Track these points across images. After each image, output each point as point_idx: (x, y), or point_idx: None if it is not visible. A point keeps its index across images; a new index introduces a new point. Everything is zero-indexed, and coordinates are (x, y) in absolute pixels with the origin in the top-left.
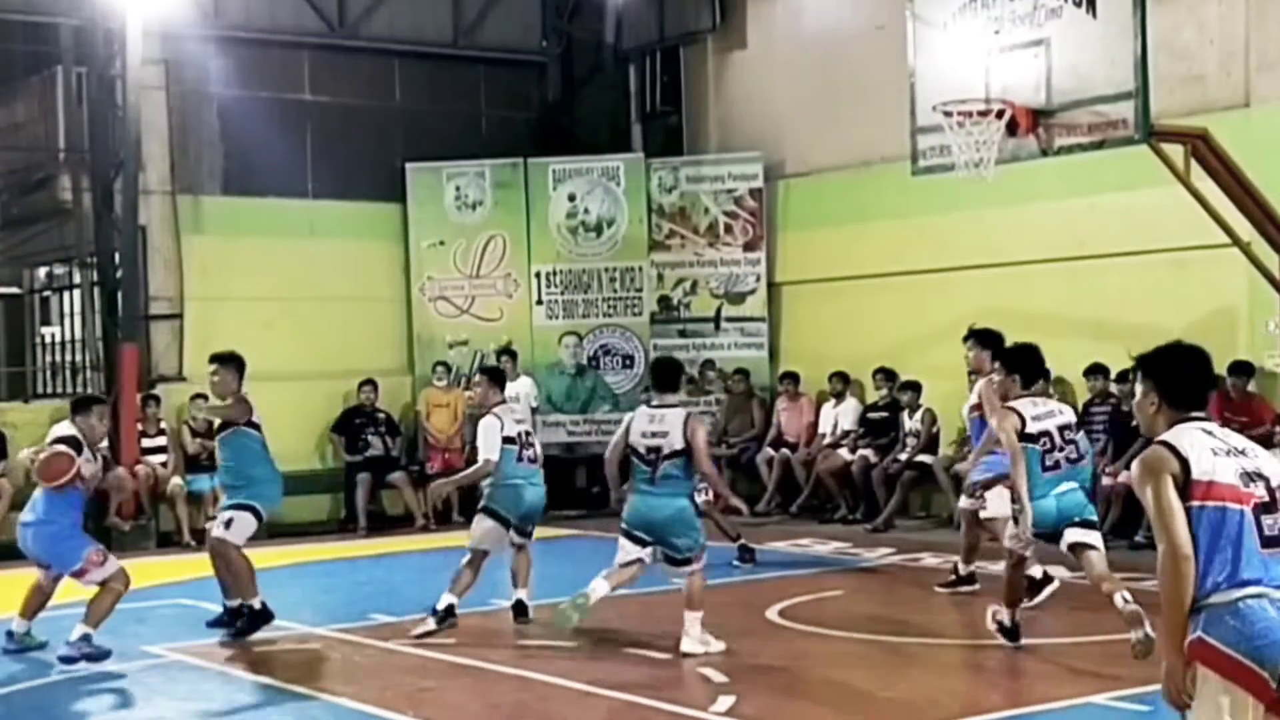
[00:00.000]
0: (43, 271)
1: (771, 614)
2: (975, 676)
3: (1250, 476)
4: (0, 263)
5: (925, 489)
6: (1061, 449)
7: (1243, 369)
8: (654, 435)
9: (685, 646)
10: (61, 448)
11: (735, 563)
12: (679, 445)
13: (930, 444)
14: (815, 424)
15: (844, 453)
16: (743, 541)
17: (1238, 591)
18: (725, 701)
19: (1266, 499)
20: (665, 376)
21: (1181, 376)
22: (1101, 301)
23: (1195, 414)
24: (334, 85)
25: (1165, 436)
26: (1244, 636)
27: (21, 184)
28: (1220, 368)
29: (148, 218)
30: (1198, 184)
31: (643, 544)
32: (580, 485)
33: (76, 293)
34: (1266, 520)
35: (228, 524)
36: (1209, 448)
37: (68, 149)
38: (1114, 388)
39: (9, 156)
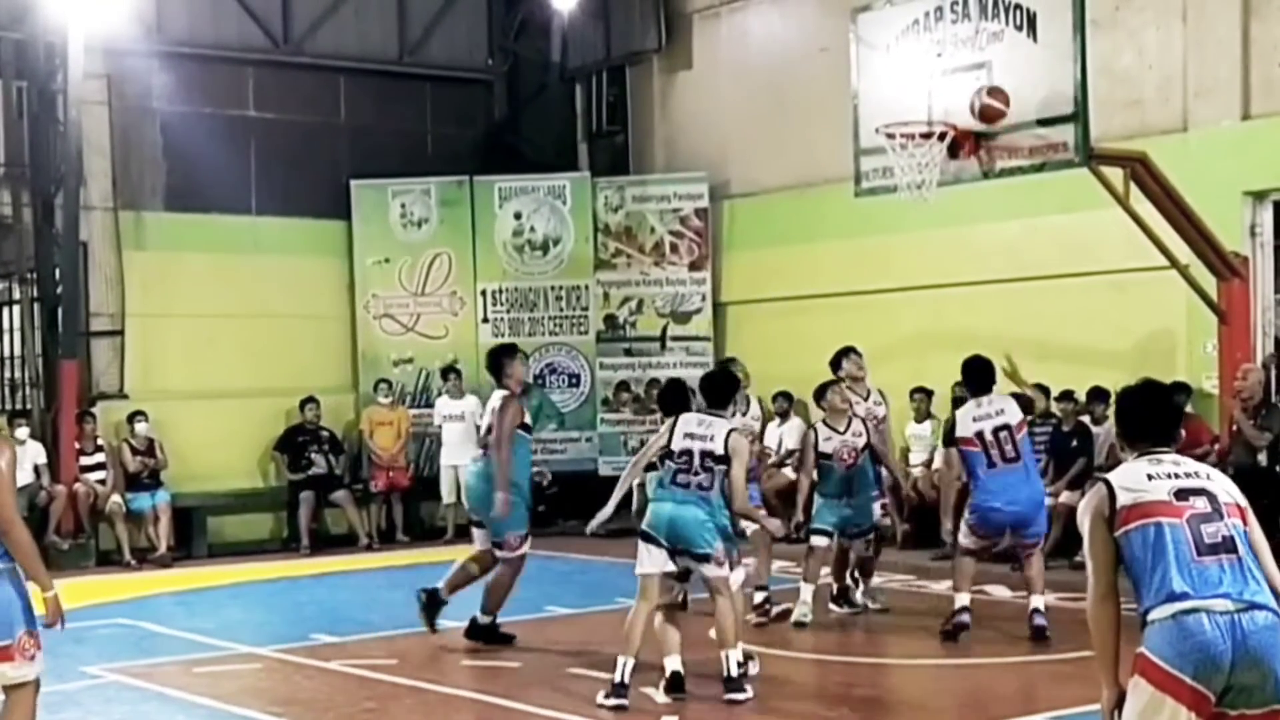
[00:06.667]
0: None
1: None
2: (921, 696)
3: (1187, 492)
4: None
5: None
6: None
7: (1180, 390)
8: None
9: None
10: None
11: None
12: None
13: None
14: (760, 443)
15: (788, 472)
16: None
17: (1172, 606)
18: None
19: (1207, 510)
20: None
21: (1131, 416)
22: (1042, 323)
23: (1152, 449)
24: (278, 102)
25: (1109, 474)
26: (1179, 652)
27: None
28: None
29: (89, 233)
30: (1137, 207)
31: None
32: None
33: (16, 309)
34: (1207, 529)
35: None
36: (1145, 474)
37: (8, 163)
38: (1055, 407)
39: None
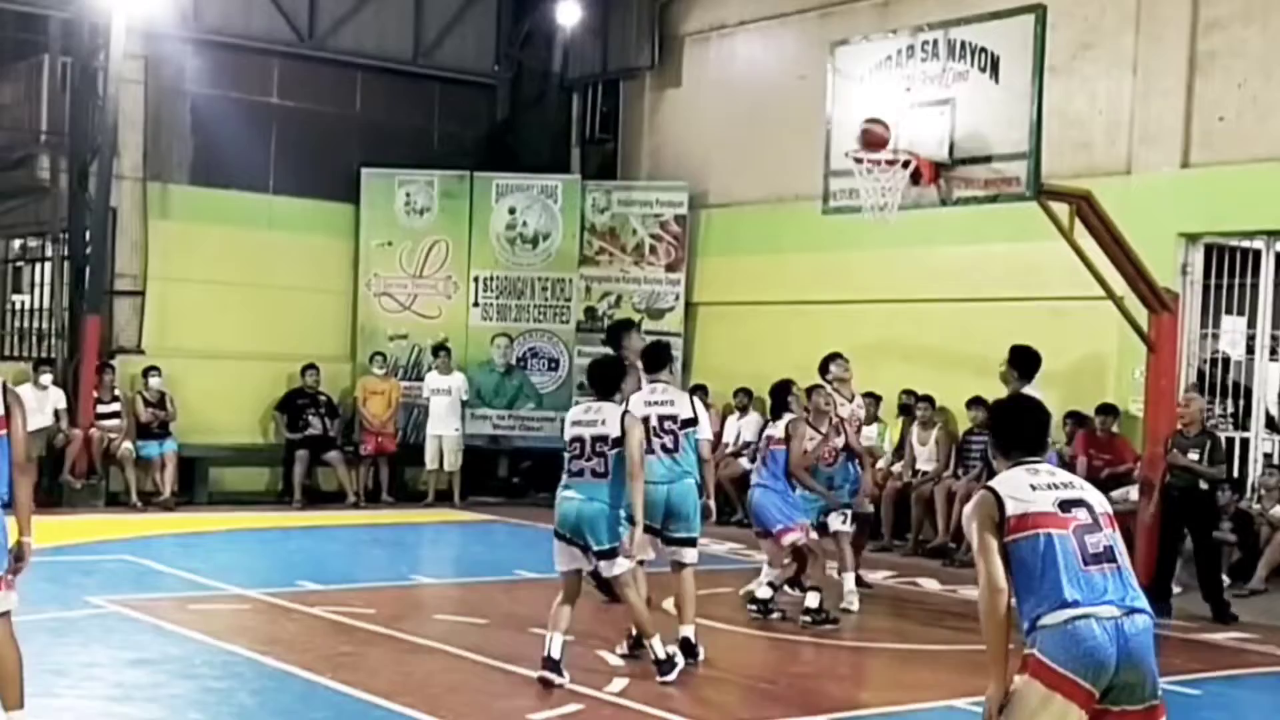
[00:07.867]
0: (17, 243)
1: (668, 604)
2: (853, 675)
3: (1070, 504)
4: None
5: None
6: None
7: (1109, 411)
8: None
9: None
10: None
11: None
12: None
13: None
14: (720, 434)
15: (744, 462)
16: None
17: (1065, 613)
18: (619, 683)
19: (1089, 522)
20: None
21: (1005, 430)
22: (986, 341)
23: (1026, 459)
24: (300, 91)
25: (991, 482)
26: (1072, 655)
27: (3, 161)
28: (1090, 409)
29: (119, 200)
30: (1079, 241)
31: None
32: (502, 475)
33: (48, 265)
34: (1090, 539)
35: None
36: (1028, 484)
37: (49, 131)
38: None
39: None
